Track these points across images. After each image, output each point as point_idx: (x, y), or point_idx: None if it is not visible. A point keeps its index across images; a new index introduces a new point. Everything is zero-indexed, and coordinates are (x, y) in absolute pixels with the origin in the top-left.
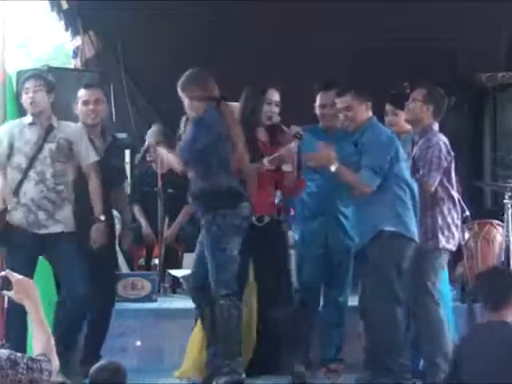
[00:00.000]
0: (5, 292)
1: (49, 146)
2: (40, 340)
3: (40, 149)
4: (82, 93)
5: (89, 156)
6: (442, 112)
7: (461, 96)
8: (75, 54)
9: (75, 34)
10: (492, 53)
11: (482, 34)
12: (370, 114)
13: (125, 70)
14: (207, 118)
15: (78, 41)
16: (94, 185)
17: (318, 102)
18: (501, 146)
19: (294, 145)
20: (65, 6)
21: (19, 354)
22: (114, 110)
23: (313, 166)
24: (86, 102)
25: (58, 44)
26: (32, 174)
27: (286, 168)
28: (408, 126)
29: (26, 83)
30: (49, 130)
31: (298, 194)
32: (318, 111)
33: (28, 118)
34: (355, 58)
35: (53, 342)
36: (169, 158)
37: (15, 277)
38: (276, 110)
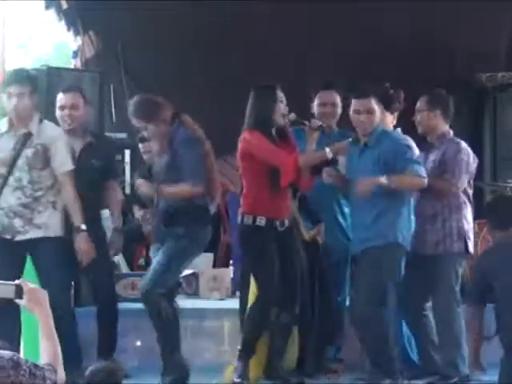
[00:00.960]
0: (17, 300)
1: (26, 153)
2: (47, 351)
3: (18, 155)
4: (59, 97)
5: (64, 164)
6: (450, 113)
7: (461, 96)
8: (75, 54)
9: (75, 34)
10: (492, 53)
11: (482, 34)
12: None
13: (125, 70)
14: (191, 138)
15: (78, 41)
16: (68, 194)
17: (317, 101)
18: (501, 147)
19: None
20: (64, 6)
21: (23, 358)
22: (113, 109)
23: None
24: (62, 107)
25: (57, 44)
26: (11, 180)
27: (342, 160)
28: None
29: (9, 87)
30: (27, 136)
31: (308, 191)
32: (317, 109)
33: (4, 126)
34: (355, 58)
35: (60, 353)
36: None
37: (28, 285)
38: (286, 108)
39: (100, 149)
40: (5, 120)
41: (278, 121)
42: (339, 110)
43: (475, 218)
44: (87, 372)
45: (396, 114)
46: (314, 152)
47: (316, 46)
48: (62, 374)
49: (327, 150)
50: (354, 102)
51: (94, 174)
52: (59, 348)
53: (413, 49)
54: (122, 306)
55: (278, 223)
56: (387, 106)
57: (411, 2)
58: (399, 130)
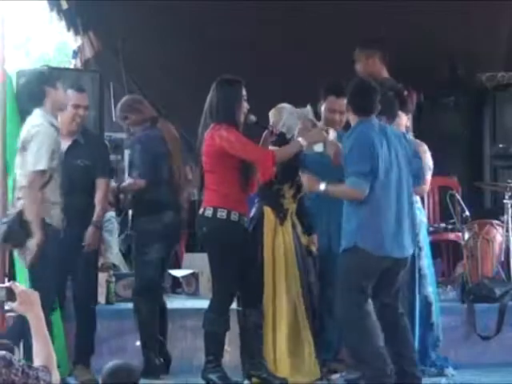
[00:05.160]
0: (9, 303)
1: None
2: (41, 353)
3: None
4: (72, 95)
5: (34, 164)
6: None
7: (461, 96)
8: (75, 54)
9: (75, 34)
10: (492, 53)
11: (482, 34)
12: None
13: (125, 69)
14: (143, 138)
15: (78, 41)
16: (33, 196)
17: (327, 105)
18: (500, 146)
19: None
20: (64, 6)
21: (15, 357)
22: (113, 109)
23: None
24: (76, 106)
25: (58, 44)
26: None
27: (318, 148)
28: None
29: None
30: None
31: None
32: (325, 114)
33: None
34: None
35: (54, 355)
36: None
37: (19, 288)
38: (247, 106)
39: (87, 147)
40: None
41: (241, 118)
42: (345, 119)
43: (475, 218)
44: (105, 371)
45: (410, 115)
46: (288, 145)
47: (315, 46)
48: (56, 376)
49: (300, 139)
50: (331, 99)
51: (78, 173)
52: (52, 350)
53: (413, 49)
54: (121, 306)
55: (245, 220)
56: (402, 106)
57: (411, 2)
58: (411, 134)
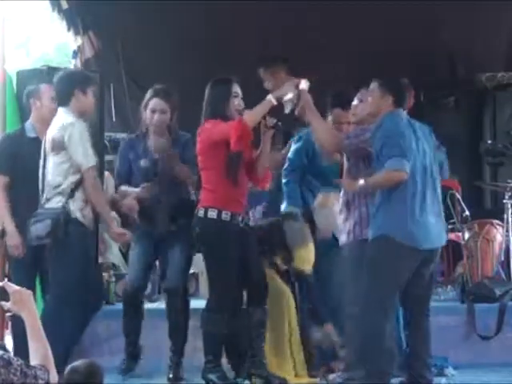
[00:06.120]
0: (2, 303)
1: None
2: (37, 352)
3: None
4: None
5: (87, 162)
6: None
7: (461, 96)
8: (75, 54)
9: (75, 34)
10: (492, 53)
11: (482, 34)
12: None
13: (125, 70)
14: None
15: (78, 41)
16: (98, 191)
17: (334, 118)
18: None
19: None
20: (65, 5)
21: (14, 357)
22: (113, 110)
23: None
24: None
25: (58, 44)
26: None
27: (288, 98)
28: None
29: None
30: None
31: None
32: (332, 127)
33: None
34: (355, 58)
35: (50, 354)
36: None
37: (12, 287)
38: (242, 103)
39: None
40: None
41: (233, 115)
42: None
43: (475, 218)
44: (66, 371)
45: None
46: (257, 105)
47: (315, 46)
48: (54, 374)
49: (270, 96)
50: (337, 112)
51: None
52: (49, 348)
53: (413, 49)
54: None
55: (240, 219)
56: (401, 102)
57: (411, 2)
58: None
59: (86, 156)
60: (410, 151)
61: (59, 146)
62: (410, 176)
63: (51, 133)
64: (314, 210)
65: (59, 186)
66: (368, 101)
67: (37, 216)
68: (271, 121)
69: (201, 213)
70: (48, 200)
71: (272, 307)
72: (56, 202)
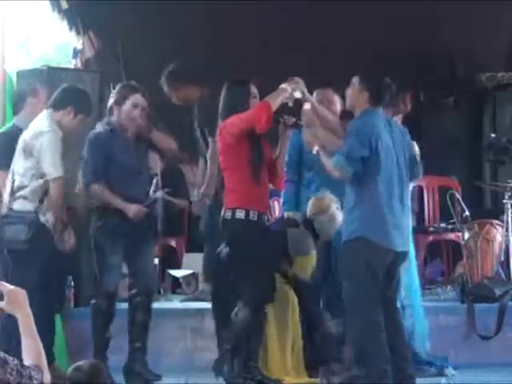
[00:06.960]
0: None
1: None
2: (31, 352)
3: None
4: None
5: (53, 172)
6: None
7: (461, 96)
8: (75, 54)
9: (76, 34)
10: (492, 53)
11: (482, 34)
12: None
13: (125, 70)
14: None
15: (79, 41)
16: (60, 203)
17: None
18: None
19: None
20: (65, 5)
21: (9, 356)
22: None
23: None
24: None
25: (58, 44)
26: None
27: (297, 94)
28: None
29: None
30: None
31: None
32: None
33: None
34: (355, 57)
35: (44, 354)
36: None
37: (7, 287)
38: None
39: None
40: None
41: None
42: (337, 108)
43: (475, 218)
44: (70, 370)
45: (401, 115)
46: (273, 92)
47: (315, 45)
48: (47, 374)
49: (283, 85)
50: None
51: None
52: (42, 348)
53: (413, 49)
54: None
55: (265, 218)
56: (377, 100)
57: (411, 2)
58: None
59: (54, 166)
60: (379, 153)
61: (30, 153)
62: (384, 177)
63: (27, 134)
64: (311, 218)
65: (23, 188)
66: (348, 93)
67: (7, 218)
68: (290, 120)
69: (228, 215)
70: (15, 200)
71: (278, 309)
72: (22, 205)
